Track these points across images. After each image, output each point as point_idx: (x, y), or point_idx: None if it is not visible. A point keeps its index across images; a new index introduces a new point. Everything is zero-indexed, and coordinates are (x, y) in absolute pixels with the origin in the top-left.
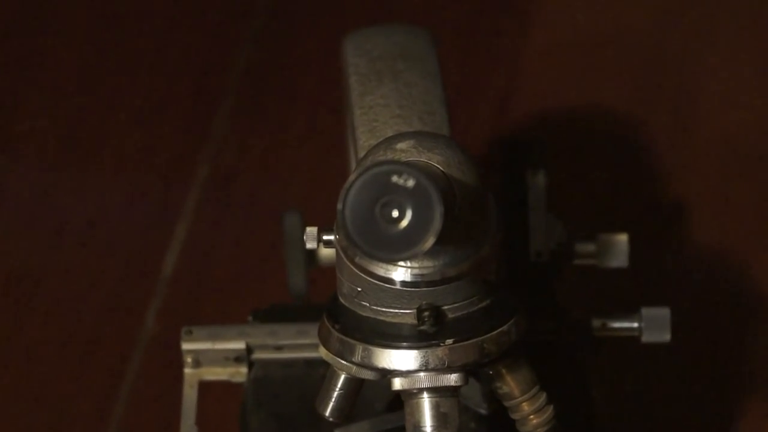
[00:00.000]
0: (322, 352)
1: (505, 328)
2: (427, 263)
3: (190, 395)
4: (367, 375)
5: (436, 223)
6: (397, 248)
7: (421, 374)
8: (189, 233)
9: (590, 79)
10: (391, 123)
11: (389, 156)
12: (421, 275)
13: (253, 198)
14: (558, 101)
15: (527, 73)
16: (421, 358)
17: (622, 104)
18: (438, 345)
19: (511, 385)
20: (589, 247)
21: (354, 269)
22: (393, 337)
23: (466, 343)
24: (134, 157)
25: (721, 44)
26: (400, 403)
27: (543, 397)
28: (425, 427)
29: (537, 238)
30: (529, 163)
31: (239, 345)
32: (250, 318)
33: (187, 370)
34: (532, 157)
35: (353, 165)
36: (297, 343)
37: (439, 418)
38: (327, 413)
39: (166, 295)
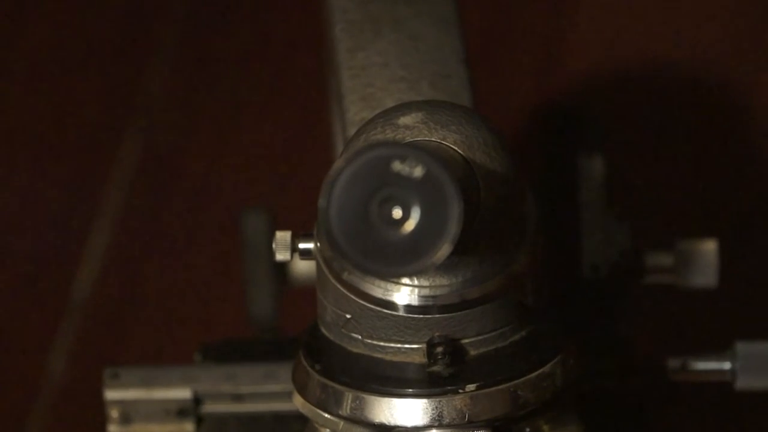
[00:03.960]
0: (298, 403)
1: (546, 369)
2: (441, 281)
3: None
4: None
5: (453, 227)
6: (399, 260)
7: None
8: (111, 241)
9: (659, 38)
10: (391, 89)
11: (389, 135)
12: (433, 297)
13: (199, 192)
14: (618, 63)
15: (581, 27)
16: (433, 410)
17: (700, 69)
18: (456, 392)
19: None
20: (665, 259)
21: (341, 289)
22: (394, 382)
23: (493, 389)
24: (35, 136)
25: None
26: None
27: None
28: None
29: (593, 247)
30: (582, 144)
31: (184, 393)
32: (197, 356)
33: (113, 429)
34: (585, 135)
35: (340, 147)
36: (262, 391)
37: None
38: None
39: (79, 327)
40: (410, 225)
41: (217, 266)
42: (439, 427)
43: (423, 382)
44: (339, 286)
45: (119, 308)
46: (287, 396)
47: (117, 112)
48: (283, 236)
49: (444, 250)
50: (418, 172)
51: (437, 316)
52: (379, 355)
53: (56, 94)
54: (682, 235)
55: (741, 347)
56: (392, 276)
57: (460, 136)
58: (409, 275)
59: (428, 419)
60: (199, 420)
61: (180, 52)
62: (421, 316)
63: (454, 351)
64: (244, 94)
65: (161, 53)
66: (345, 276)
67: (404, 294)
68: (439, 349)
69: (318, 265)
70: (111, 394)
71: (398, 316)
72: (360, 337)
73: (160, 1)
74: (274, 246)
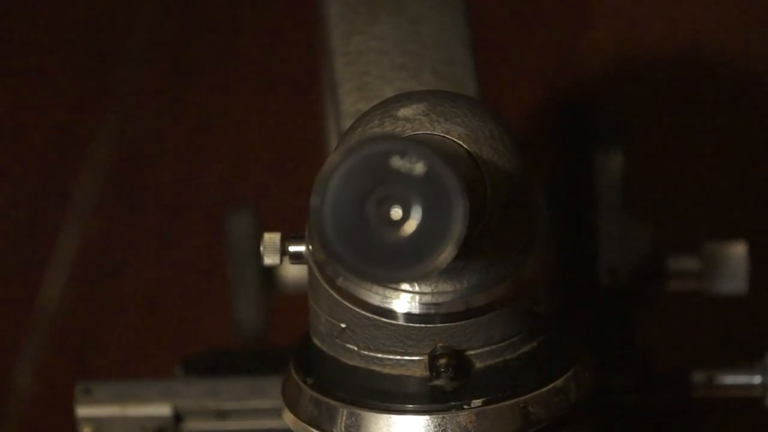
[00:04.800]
0: (288, 420)
1: (559, 383)
2: (444, 287)
3: None
4: None
5: (457, 228)
6: (399, 264)
7: None
8: (82, 244)
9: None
10: (390, 78)
11: (388, 128)
12: (436, 305)
13: (178, 192)
14: (636, 53)
15: (596, 14)
16: (436, 427)
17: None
18: (460, 408)
19: None
20: (690, 263)
21: (336, 296)
22: (394, 397)
23: (501, 405)
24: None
25: None
26: None
27: None
28: None
29: (611, 250)
30: (599, 138)
31: (163, 410)
32: (178, 369)
33: None
34: (601, 129)
35: (334, 141)
36: (249, 407)
37: None
38: None
39: (48, 336)
40: (411, 226)
41: (199, 271)
42: None
43: (424, 398)
44: (333, 292)
45: (91, 316)
46: (276, 413)
47: (87, 106)
48: (271, 238)
49: (447, 253)
50: (419, 168)
51: (440, 325)
52: (377, 368)
53: (23, 89)
54: (708, 237)
55: None
56: (391, 281)
57: (465, 129)
58: (410, 281)
59: None
60: None
61: (156, 38)
62: (423, 325)
63: (459, 363)
64: (226, 84)
65: (135, 41)
66: (339, 282)
67: (404, 301)
68: (442, 361)
69: (310, 270)
70: (83, 411)
71: (398, 325)
72: (356, 348)
73: None
74: (261, 249)
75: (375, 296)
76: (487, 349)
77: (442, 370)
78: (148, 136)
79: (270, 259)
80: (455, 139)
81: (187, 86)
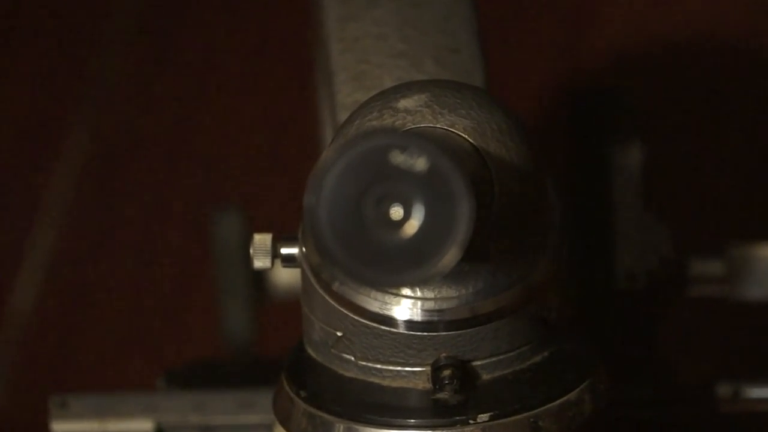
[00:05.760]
0: None
1: (572, 396)
2: (448, 293)
3: None
4: None
5: (462, 228)
6: (399, 268)
7: None
8: (55, 247)
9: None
10: (389, 66)
11: (387, 121)
12: (439, 312)
13: (159, 190)
14: (655, 37)
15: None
16: None
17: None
18: (466, 423)
19: None
20: (714, 268)
21: (331, 302)
22: (394, 411)
23: (510, 419)
24: None
25: None
26: None
27: None
28: None
29: (629, 253)
30: (615, 131)
31: (144, 425)
32: (160, 382)
33: None
34: (618, 121)
35: (329, 135)
36: (237, 423)
37: None
38: None
39: (20, 346)
40: (412, 226)
41: (182, 276)
42: None
43: (427, 412)
44: (328, 298)
45: (66, 324)
46: (266, 428)
47: (61, 98)
48: (262, 240)
49: (451, 256)
50: (421, 164)
51: (444, 333)
52: (376, 380)
53: None
54: (733, 238)
55: None
56: (391, 286)
57: (470, 121)
58: (411, 285)
59: None
60: None
61: (134, 25)
62: (425, 333)
63: (464, 375)
64: (211, 73)
65: (111, 29)
66: (335, 287)
67: (405, 308)
68: (446, 373)
69: (303, 274)
70: (59, 426)
71: (398, 333)
72: (353, 358)
73: None
74: (251, 251)
75: (374, 302)
76: (494, 359)
77: (446, 382)
78: (124, 130)
79: (260, 263)
80: (460, 133)
81: (166, 77)
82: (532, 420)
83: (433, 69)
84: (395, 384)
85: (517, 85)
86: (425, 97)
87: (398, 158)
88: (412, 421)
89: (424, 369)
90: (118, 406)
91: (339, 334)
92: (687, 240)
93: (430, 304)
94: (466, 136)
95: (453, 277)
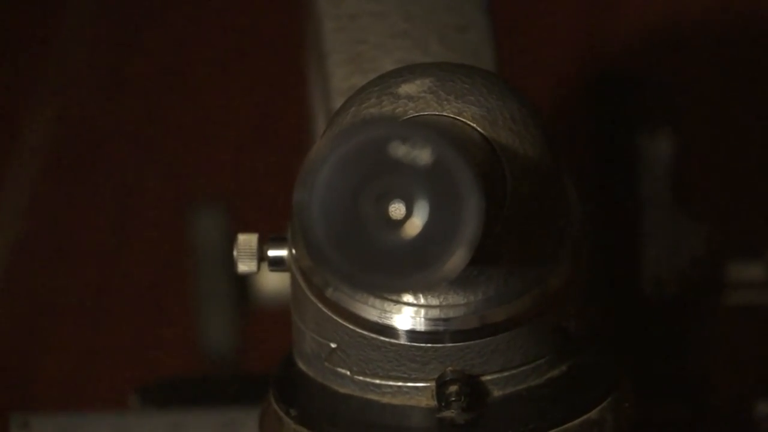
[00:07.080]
0: None
1: (593, 415)
2: (455, 299)
3: None
4: None
5: (470, 228)
6: (400, 271)
7: None
8: (14, 246)
9: None
10: (389, 47)
11: (387, 108)
12: (445, 321)
13: (131, 184)
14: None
15: None
16: None
17: None
18: None
19: None
20: (753, 271)
21: (324, 310)
22: (394, 431)
23: None
24: None
25: None
26: None
27: None
28: None
29: (656, 255)
30: (643, 120)
31: None
32: (133, 399)
33: None
34: (646, 109)
35: (321, 124)
36: None
37: None
38: None
39: None
40: (415, 226)
41: (156, 281)
42: None
43: (431, 431)
44: (321, 306)
45: (27, 335)
46: None
47: (20, 83)
48: (246, 241)
49: (458, 259)
50: (424, 157)
51: (450, 345)
52: (374, 397)
53: None
54: None
55: None
56: (391, 292)
57: (479, 109)
58: (414, 291)
59: None
60: None
61: (100, 5)
62: (429, 345)
63: (473, 391)
64: (189, 55)
65: (75, 10)
66: (329, 293)
67: (407, 316)
68: (453, 389)
69: (293, 279)
70: None
71: (399, 345)
72: (349, 372)
73: None
74: (235, 254)
75: (372, 310)
76: (506, 374)
77: (453, 399)
78: (90, 119)
79: (244, 266)
80: (468, 122)
81: (137, 60)
82: None
83: (439, 50)
84: (396, 401)
85: (533, 68)
86: (429, 81)
87: (399, 150)
88: None
89: (427, 384)
90: (85, 427)
91: (333, 345)
92: (723, 240)
93: (435, 312)
94: (475, 126)
95: (460, 282)
